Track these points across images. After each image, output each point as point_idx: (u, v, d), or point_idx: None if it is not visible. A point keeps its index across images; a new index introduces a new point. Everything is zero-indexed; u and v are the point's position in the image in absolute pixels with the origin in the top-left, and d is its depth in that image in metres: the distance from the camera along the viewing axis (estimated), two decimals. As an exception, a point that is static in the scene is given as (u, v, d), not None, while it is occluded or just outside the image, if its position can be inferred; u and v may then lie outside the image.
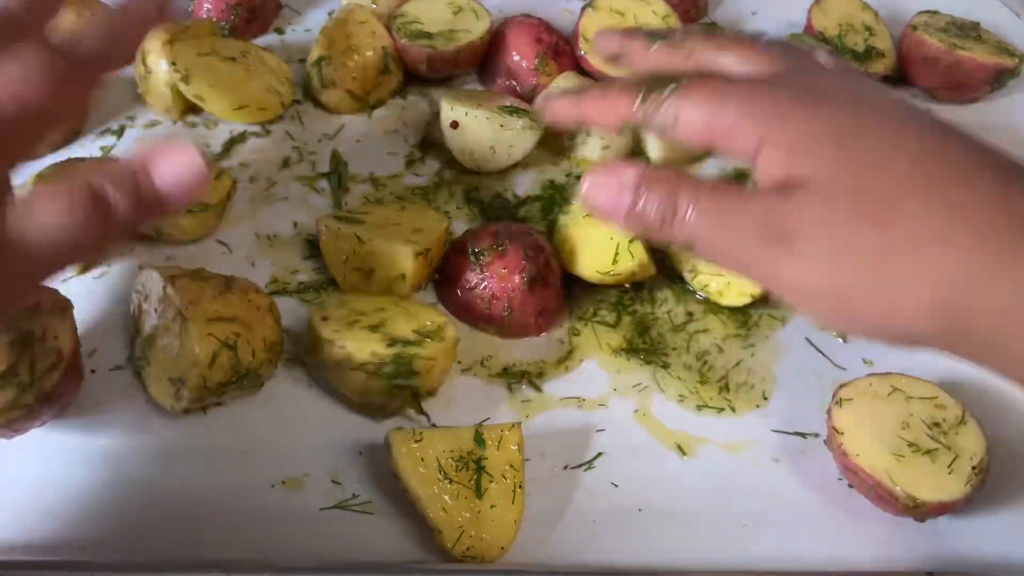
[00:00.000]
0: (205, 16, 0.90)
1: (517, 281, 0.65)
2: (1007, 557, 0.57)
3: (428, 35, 0.83)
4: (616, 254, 0.67)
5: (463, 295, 0.67)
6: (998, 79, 0.89)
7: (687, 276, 0.70)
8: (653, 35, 0.53)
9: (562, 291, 0.69)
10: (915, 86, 0.91)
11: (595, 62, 0.83)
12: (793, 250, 0.43)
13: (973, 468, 0.56)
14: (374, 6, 0.86)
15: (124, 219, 0.41)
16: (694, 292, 0.70)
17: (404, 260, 0.64)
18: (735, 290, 0.67)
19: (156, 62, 0.80)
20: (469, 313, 0.67)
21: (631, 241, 0.67)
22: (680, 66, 0.51)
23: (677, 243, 0.46)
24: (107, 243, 0.45)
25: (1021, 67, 0.89)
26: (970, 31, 0.94)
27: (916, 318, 0.42)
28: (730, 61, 0.50)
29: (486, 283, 0.65)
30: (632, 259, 0.67)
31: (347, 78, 0.81)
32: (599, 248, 0.68)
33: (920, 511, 0.55)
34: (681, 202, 0.45)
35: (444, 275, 0.69)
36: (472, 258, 0.66)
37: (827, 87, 0.47)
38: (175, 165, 0.41)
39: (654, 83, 0.47)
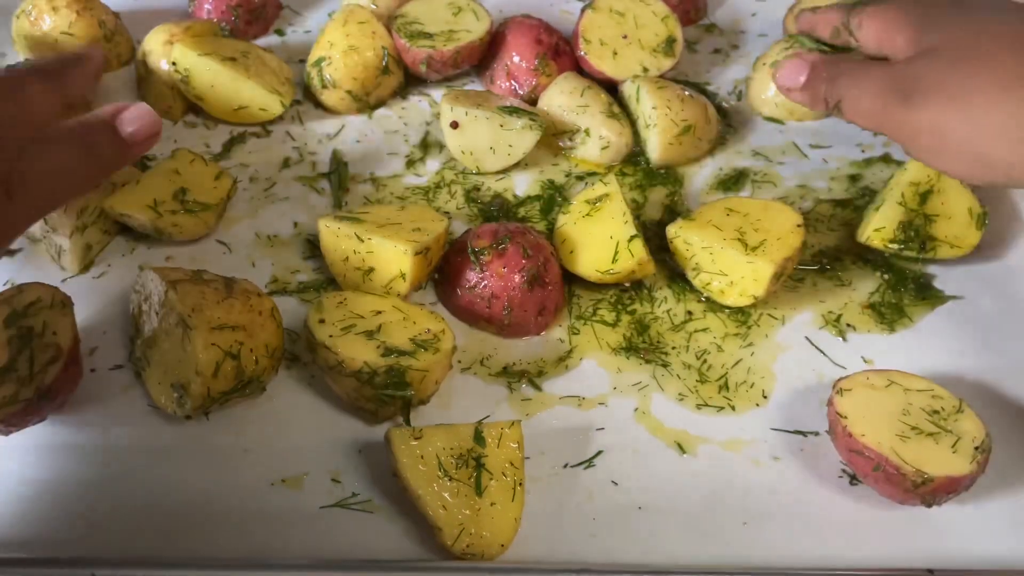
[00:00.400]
0: (206, 17, 0.90)
1: (517, 280, 0.65)
2: (1007, 556, 0.57)
3: (428, 35, 0.83)
4: (616, 253, 0.67)
5: (463, 294, 0.67)
6: None
7: (689, 275, 0.70)
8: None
9: (562, 290, 0.69)
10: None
11: (595, 62, 0.83)
12: (913, 102, 0.57)
13: (976, 448, 0.56)
14: (374, 7, 0.86)
15: (108, 163, 0.56)
16: (696, 292, 0.70)
17: (403, 259, 0.64)
18: (737, 290, 0.67)
19: (157, 63, 0.80)
20: (469, 312, 0.67)
21: (630, 240, 0.67)
22: None
23: (831, 106, 0.64)
24: (94, 185, 0.64)
25: None
26: None
27: (998, 150, 0.55)
28: None
29: (486, 282, 0.66)
30: (632, 257, 0.67)
31: (347, 78, 0.81)
32: (599, 247, 0.68)
33: (928, 488, 0.55)
34: (836, 72, 0.63)
35: (444, 274, 0.69)
36: (472, 257, 0.66)
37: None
38: (137, 119, 0.55)
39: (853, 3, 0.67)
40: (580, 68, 0.86)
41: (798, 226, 0.68)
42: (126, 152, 0.56)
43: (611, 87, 0.84)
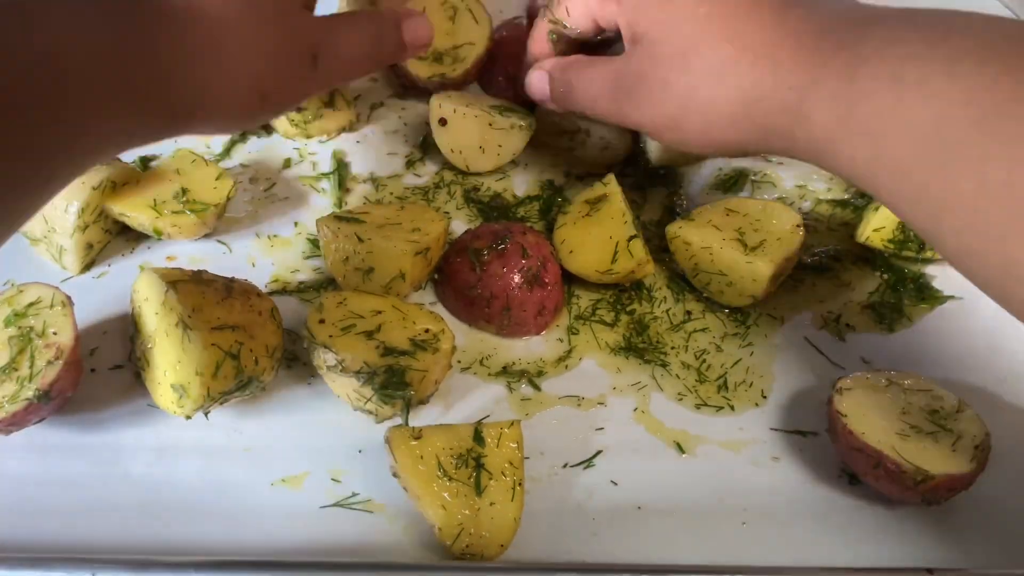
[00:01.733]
0: None
1: (516, 280, 0.65)
2: (1007, 556, 0.57)
3: (435, 58, 0.81)
4: (615, 253, 0.67)
5: (462, 295, 0.67)
6: None
7: (688, 275, 0.70)
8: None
9: (562, 290, 0.69)
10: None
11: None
12: (634, 98, 0.60)
13: (976, 447, 0.56)
14: None
15: (388, 56, 0.64)
16: (695, 291, 0.70)
17: (403, 259, 0.64)
18: (736, 290, 0.67)
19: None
20: (468, 313, 0.67)
21: (630, 240, 0.67)
22: None
23: (575, 109, 0.67)
24: (371, 71, 0.78)
25: None
26: None
27: (726, 129, 0.56)
28: None
29: (485, 283, 0.66)
30: (631, 258, 0.67)
31: None
32: (598, 247, 0.68)
33: (928, 485, 0.55)
34: (570, 77, 0.66)
35: (443, 275, 0.69)
36: (471, 258, 0.66)
37: None
38: (419, 27, 0.63)
39: (548, 3, 0.68)
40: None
41: (797, 226, 0.68)
42: (402, 52, 0.64)
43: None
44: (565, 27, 0.66)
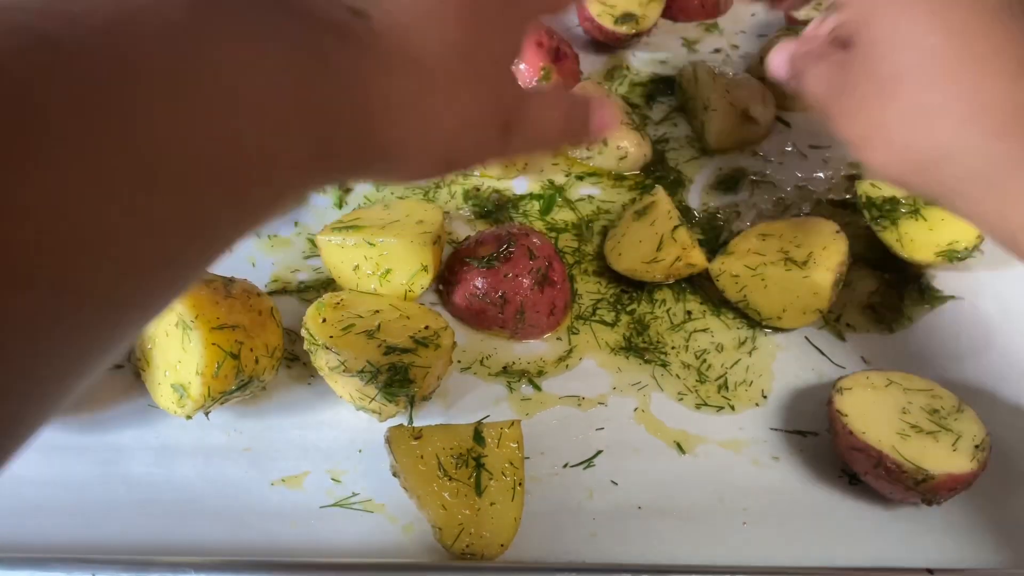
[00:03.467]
0: None
1: (526, 283, 0.65)
2: (1007, 555, 0.57)
3: None
4: (660, 243, 0.68)
5: (472, 302, 0.66)
6: None
7: (740, 306, 0.69)
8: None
9: (569, 287, 0.69)
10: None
11: (605, 23, 0.88)
12: (842, 105, 0.54)
13: (976, 447, 0.56)
14: None
15: (574, 137, 0.57)
16: (695, 292, 0.70)
17: (422, 252, 0.64)
18: (799, 308, 0.66)
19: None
20: (480, 320, 0.67)
21: (675, 229, 0.67)
22: None
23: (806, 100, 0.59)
24: (553, 148, 0.71)
25: None
26: None
27: (907, 173, 0.50)
28: None
29: (496, 288, 0.65)
30: (675, 243, 0.67)
31: None
32: (644, 242, 0.69)
33: (928, 485, 0.55)
34: (802, 66, 0.58)
35: (448, 283, 0.68)
36: (478, 264, 0.66)
37: None
38: (606, 116, 0.56)
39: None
40: (593, 39, 0.89)
41: (837, 231, 0.68)
42: (586, 136, 0.60)
43: (607, 48, 0.90)
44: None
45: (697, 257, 0.68)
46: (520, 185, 0.79)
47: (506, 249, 0.66)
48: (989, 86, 0.47)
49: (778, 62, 0.63)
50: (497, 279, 0.65)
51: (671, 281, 0.70)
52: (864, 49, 0.53)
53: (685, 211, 0.77)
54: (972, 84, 0.47)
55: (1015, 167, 0.45)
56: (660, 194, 0.72)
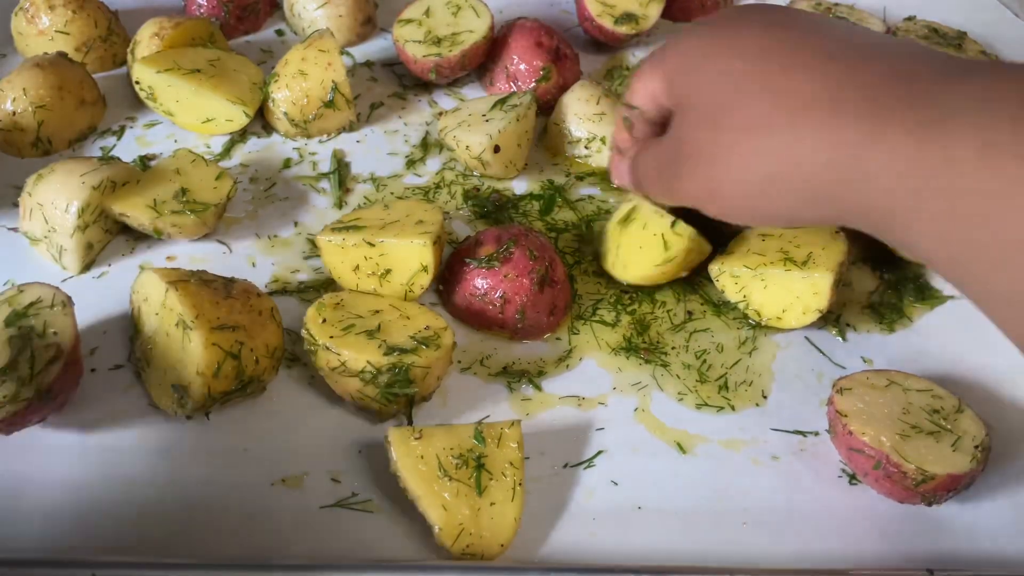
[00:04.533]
0: (197, 12, 0.90)
1: (527, 283, 0.65)
2: (1007, 555, 0.57)
3: (433, 42, 0.82)
4: (664, 243, 0.67)
5: (472, 302, 0.66)
6: None
7: (741, 307, 0.69)
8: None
9: (569, 287, 0.69)
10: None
11: (605, 23, 0.88)
12: (676, 172, 0.55)
13: (976, 447, 0.56)
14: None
15: None
16: (696, 293, 0.70)
17: (423, 252, 0.64)
18: (799, 308, 0.66)
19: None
20: (480, 320, 0.66)
21: (673, 224, 0.66)
22: None
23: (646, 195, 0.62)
24: None
25: None
26: (953, 40, 0.93)
27: (767, 198, 0.50)
28: None
29: (496, 288, 0.65)
30: (682, 238, 0.66)
31: (287, 100, 0.80)
32: (646, 247, 0.68)
33: (929, 486, 0.55)
34: (635, 163, 0.60)
35: (449, 283, 0.68)
36: (478, 265, 0.66)
37: (703, 26, 0.56)
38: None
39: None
40: (592, 36, 0.90)
41: (837, 232, 0.68)
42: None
43: (607, 48, 0.90)
44: (633, 108, 0.60)
45: (705, 244, 0.68)
46: (520, 185, 0.79)
47: (506, 249, 0.66)
48: (805, 79, 0.47)
49: (620, 177, 0.64)
50: (497, 279, 0.65)
51: (684, 274, 0.69)
52: (681, 109, 0.55)
53: (685, 211, 0.77)
54: (790, 84, 0.48)
55: (862, 145, 0.44)
56: (636, 197, 0.71)
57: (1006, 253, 0.38)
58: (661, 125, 0.60)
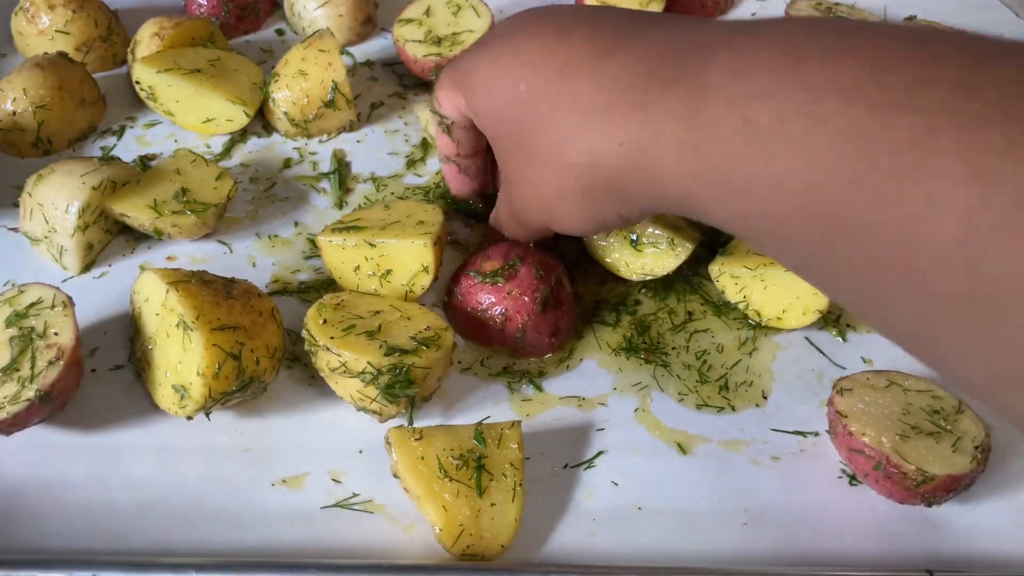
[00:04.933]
0: (196, 11, 0.90)
1: (529, 302, 0.64)
2: (1007, 556, 0.57)
3: (434, 42, 0.82)
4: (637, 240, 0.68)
5: (474, 317, 0.65)
6: None
7: (740, 307, 0.69)
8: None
9: (574, 309, 0.68)
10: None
11: None
12: (527, 208, 0.59)
13: (976, 448, 0.56)
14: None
15: None
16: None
17: (423, 253, 0.64)
18: (799, 309, 0.66)
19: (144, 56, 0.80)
20: (481, 335, 0.66)
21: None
22: None
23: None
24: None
25: None
26: None
27: (583, 206, 0.53)
28: None
29: (498, 305, 0.64)
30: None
31: (287, 100, 0.80)
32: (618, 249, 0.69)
33: (929, 486, 0.55)
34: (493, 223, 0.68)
35: (453, 295, 0.68)
36: (482, 280, 0.65)
37: (489, 40, 0.59)
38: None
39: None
40: None
41: None
42: None
43: None
44: (444, 118, 0.64)
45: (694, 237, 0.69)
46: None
47: (512, 266, 0.65)
48: (582, 82, 0.50)
49: (460, 187, 0.70)
50: (500, 296, 0.65)
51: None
52: (492, 139, 0.58)
53: None
54: (571, 91, 0.51)
55: (643, 136, 0.46)
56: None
57: (752, 188, 0.40)
58: (474, 128, 0.63)
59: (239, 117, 0.79)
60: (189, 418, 0.59)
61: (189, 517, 0.56)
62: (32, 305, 0.57)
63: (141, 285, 0.62)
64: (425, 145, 0.82)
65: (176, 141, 0.80)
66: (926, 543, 0.57)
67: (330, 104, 0.80)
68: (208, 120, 0.79)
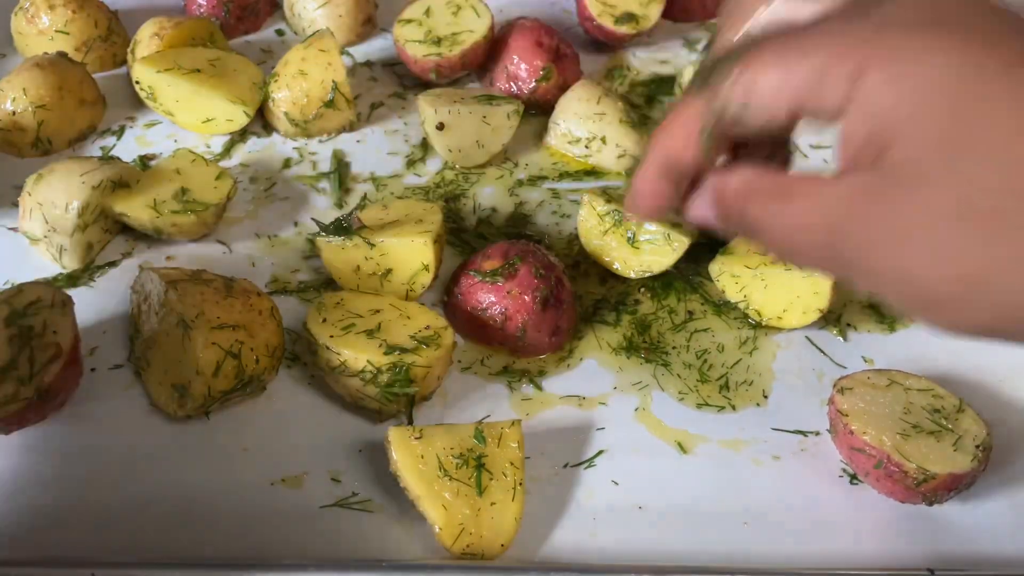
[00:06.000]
0: (196, 11, 0.90)
1: (529, 301, 0.64)
2: (1007, 555, 0.57)
3: (433, 42, 0.82)
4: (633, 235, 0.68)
5: (474, 316, 0.65)
6: None
7: (741, 306, 0.69)
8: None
9: (575, 309, 0.68)
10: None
11: (605, 22, 0.88)
12: (866, 251, 0.36)
13: (977, 446, 0.56)
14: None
15: None
16: (696, 293, 0.70)
17: (423, 251, 0.64)
18: (800, 308, 0.66)
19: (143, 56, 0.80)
20: (482, 334, 0.66)
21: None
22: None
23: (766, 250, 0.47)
24: None
25: None
26: None
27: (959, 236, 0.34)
28: (784, 9, 0.45)
29: (498, 304, 0.64)
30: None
31: (287, 100, 0.79)
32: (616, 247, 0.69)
33: (930, 485, 0.55)
34: (758, 214, 0.41)
35: (453, 295, 0.67)
36: (482, 279, 0.65)
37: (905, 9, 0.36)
38: None
39: (709, 71, 0.39)
40: (592, 37, 0.90)
41: None
42: None
43: (607, 48, 0.91)
44: (738, 116, 0.40)
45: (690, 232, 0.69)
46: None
47: (511, 265, 0.65)
48: None
49: (701, 213, 0.46)
50: (500, 295, 0.64)
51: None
52: (892, 151, 0.35)
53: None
54: None
55: None
56: (584, 199, 0.71)
57: None
58: (743, 145, 0.44)
59: (239, 117, 0.79)
60: (189, 417, 0.59)
61: (188, 516, 0.55)
62: (31, 304, 0.57)
63: (141, 284, 0.62)
64: (425, 145, 0.82)
65: (176, 141, 0.80)
66: (927, 542, 0.57)
67: (330, 104, 0.80)
68: (208, 120, 0.79)
